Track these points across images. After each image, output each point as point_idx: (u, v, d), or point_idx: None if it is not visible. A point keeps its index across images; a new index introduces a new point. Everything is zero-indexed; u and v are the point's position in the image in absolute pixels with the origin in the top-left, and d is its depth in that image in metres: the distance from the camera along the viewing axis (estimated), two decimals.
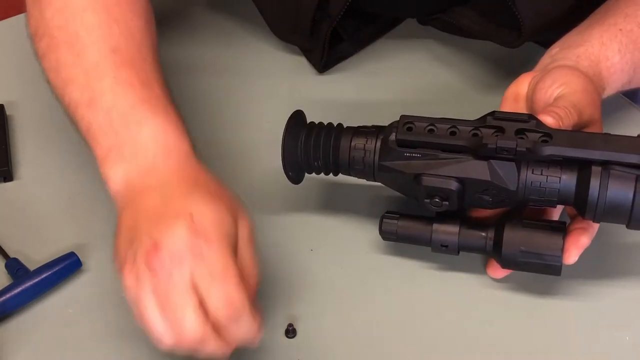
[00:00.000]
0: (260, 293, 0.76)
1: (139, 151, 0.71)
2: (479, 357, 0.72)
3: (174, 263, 0.63)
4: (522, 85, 0.79)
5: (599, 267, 0.78)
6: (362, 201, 0.83)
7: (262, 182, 0.85)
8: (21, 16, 1.09)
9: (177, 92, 0.96)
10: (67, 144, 0.90)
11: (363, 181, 0.77)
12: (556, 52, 0.80)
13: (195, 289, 0.63)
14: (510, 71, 0.82)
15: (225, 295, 0.63)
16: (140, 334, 0.72)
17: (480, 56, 0.99)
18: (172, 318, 0.63)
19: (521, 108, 0.78)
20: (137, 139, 0.71)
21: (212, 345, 0.64)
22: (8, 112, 0.94)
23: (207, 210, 0.66)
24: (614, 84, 0.80)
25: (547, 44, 0.84)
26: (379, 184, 0.76)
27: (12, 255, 0.78)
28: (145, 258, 0.64)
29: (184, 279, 0.63)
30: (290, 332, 0.72)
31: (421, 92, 0.94)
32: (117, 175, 0.71)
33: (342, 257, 0.79)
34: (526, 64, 0.82)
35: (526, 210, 0.76)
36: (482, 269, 0.77)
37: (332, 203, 0.83)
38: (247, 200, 0.84)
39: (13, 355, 0.71)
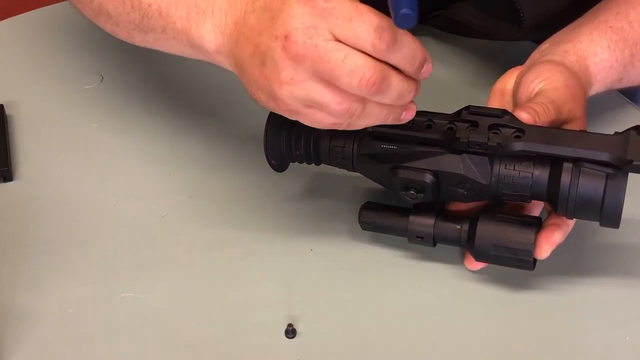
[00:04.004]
0: (261, 293, 0.77)
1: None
2: (479, 356, 0.72)
3: (310, 35, 0.63)
4: (509, 80, 0.80)
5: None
6: (364, 199, 0.83)
7: (261, 179, 0.85)
8: (21, 16, 1.10)
9: (171, 89, 0.97)
10: (67, 144, 0.91)
11: (363, 177, 0.77)
12: (546, 48, 0.81)
13: (345, 41, 0.63)
14: (506, 70, 0.82)
15: (368, 25, 0.62)
16: (139, 334, 0.73)
17: (477, 55, 0.99)
18: (346, 78, 0.63)
19: (507, 102, 0.79)
20: None
21: (396, 81, 0.64)
22: (8, 112, 0.94)
23: None
24: (603, 81, 0.81)
25: None
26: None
27: None
28: (284, 54, 0.63)
29: (329, 40, 0.63)
30: (290, 332, 0.72)
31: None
32: (207, 31, 0.71)
33: (342, 257, 0.79)
34: (522, 63, 0.82)
35: (506, 206, 0.76)
36: None
37: (333, 201, 0.83)
38: (246, 198, 0.84)
39: (13, 354, 0.71)
